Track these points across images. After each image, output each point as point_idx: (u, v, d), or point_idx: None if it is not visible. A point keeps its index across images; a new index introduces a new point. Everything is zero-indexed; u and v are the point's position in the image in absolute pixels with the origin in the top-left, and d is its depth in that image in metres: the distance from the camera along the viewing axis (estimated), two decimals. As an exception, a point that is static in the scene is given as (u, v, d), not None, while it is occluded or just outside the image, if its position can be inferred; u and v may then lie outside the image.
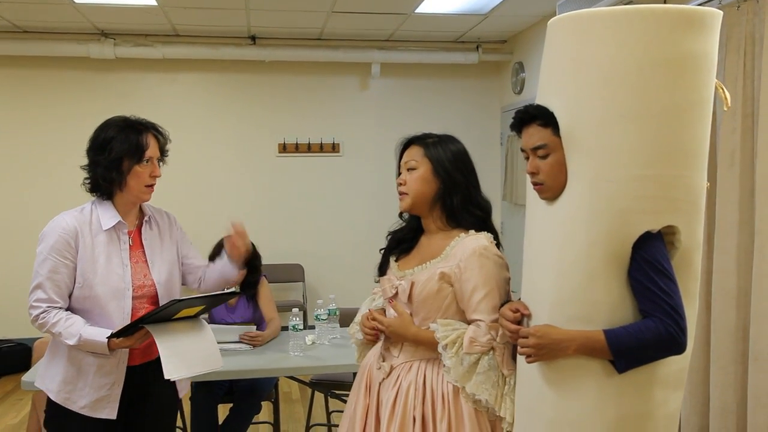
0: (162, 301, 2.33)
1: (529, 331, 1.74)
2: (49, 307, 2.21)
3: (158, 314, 2.16)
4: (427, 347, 2.01)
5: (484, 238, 2.03)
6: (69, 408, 2.26)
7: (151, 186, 2.31)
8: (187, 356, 2.23)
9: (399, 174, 2.14)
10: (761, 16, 3.12)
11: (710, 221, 3.44)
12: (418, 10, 5.52)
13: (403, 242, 2.19)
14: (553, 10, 4.96)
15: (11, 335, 5.98)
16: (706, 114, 1.69)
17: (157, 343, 2.14)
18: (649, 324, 1.62)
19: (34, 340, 3.87)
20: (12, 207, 6.24)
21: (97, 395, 2.25)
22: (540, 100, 1.79)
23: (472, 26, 6.13)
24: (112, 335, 2.15)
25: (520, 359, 1.84)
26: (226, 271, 2.52)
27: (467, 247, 2.00)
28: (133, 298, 2.28)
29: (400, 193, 2.11)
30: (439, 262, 2.03)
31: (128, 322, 2.22)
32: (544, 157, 1.74)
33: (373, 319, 2.12)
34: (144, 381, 2.34)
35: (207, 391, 3.53)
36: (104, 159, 2.23)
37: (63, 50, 6.01)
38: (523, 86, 6.39)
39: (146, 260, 2.35)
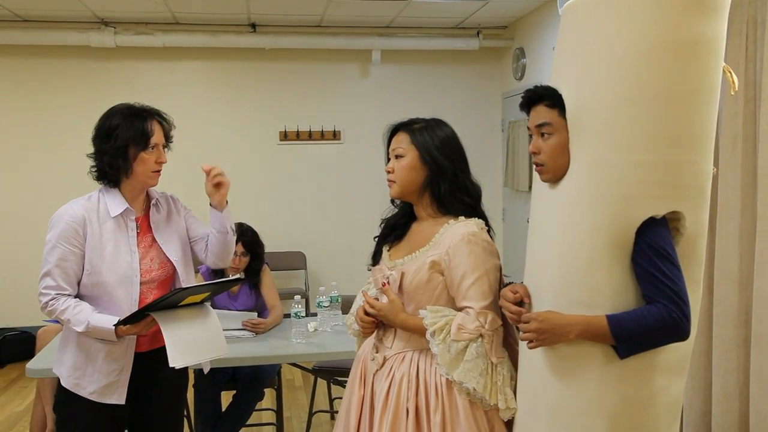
0: (181, 278, 2.38)
1: (531, 316, 1.73)
2: (57, 294, 2.23)
3: (164, 302, 2.16)
4: (417, 334, 2.01)
5: (473, 225, 2.01)
6: (78, 393, 2.28)
7: (158, 172, 2.32)
8: (192, 343, 2.24)
9: (388, 161, 2.13)
10: (764, -1, 3.10)
11: (713, 206, 3.43)
12: (418, -4, 5.50)
13: (396, 228, 2.18)
14: (555, -5, 4.93)
15: (15, 323, 6.00)
16: (713, 99, 1.67)
17: (162, 330, 2.15)
18: (652, 310, 1.61)
19: (38, 328, 3.89)
20: (14, 196, 6.25)
21: (106, 381, 2.27)
22: (551, 82, 1.79)
23: (472, 12, 6.11)
24: (119, 322, 2.16)
25: (522, 345, 1.84)
26: (216, 223, 2.46)
27: (456, 233, 1.98)
28: (141, 284, 2.30)
29: (389, 181, 2.09)
30: (428, 251, 2.02)
31: (136, 308, 2.24)
32: (548, 137, 1.74)
33: (367, 302, 2.11)
34: (152, 367, 2.36)
35: (210, 378, 3.54)
36: (110, 147, 2.24)
37: (63, 39, 6.00)
38: (524, 72, 6.37)
39: (157, 244, 2.37)
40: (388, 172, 2.10)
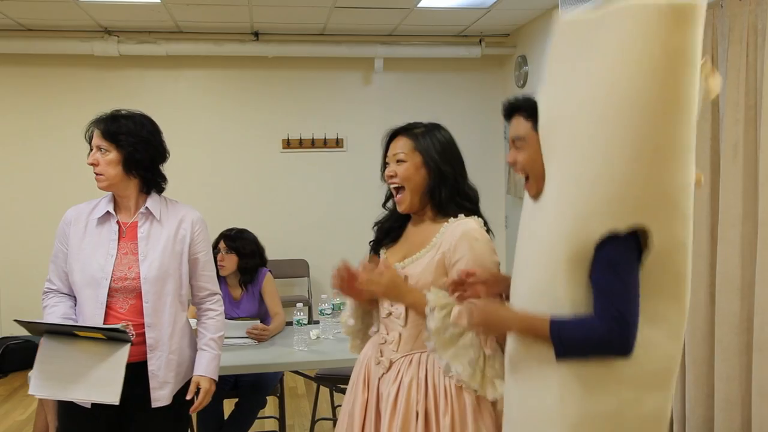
0: (145, 297, 2.28)
1: (472, 302, 1.77)
2: (49, 289, 2.39)
3: (55, 329, 2.21)
4: (417, 309, 1.99)
5: (473, 222, 2.03)
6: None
7: (95, 174, 2.31)
8: (64, 377, 2.18)
9: (385, 166, 2.12)
10: (764, 6, 3.10)
11: (714, 213, 3.43)
12: (420, 5, 5.51)
13: (390, 231, 2.19)
14: (555, 3, 4.94)
15: (19, 332, 5.99)
16: (688, 108, 1.60)
17: (38, 354, 2.20)
18: (595, 323, 1.61)
19: (41, 337, 3.89)
20: (17, 205, 6.27)
21: None
22: (536, 97, 1.81)
23: (474, 20, 6.13)
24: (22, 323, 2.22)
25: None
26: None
27: (456, 230, 2.00)
28: (113, 289, 2.27)
29: (396, 188, 2.08)
30: (429, 251, 2.02)
31: (102, 312, 2.25)
32: (521, 150, 1.78)
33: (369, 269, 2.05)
34: (139, 383, 2.29)
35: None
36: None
37: (67, 48, 6.03)
38: (527, 80, 6.38)
39: (137, 254, 2.32)
40: (391, 176, 2.08)
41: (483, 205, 2.18)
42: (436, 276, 2.00)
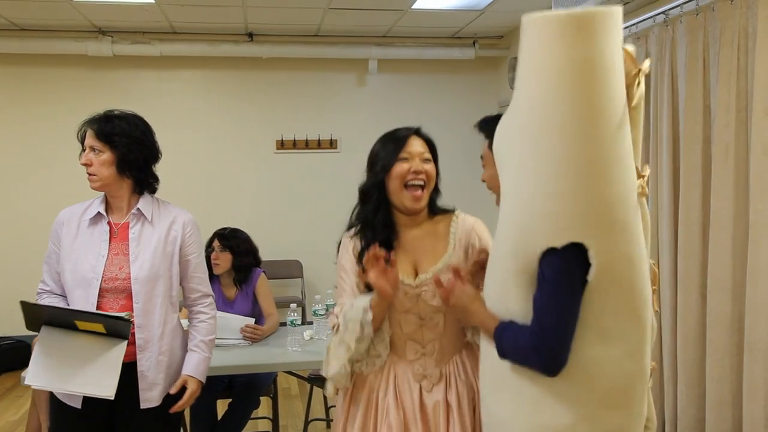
0: (136, 298, 2.27)
1: (456, 285, 1.89)
2: (42, 290, 2.39)
3: (55, 316, 2.19)
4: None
5: (470, 216, 2.13)
6: (53, 392, 2.33)
7: (89, 175, 2.31)
8: (62, 369, 2.17)
9: (392, 162, 2.07)
10: (754, 9, 3.13)
11: (705, 214, 3.46)
12: (414, 6, 5.53)
13: (384, 243, 2.05)
14: (549, 6, 4.97)
15: (11, 332, 6.00)
16: (611, 119, 1.54)
17: (36, 344, 2.19)
18: (526, 334, 1.62)
19: (34, 337, 3.88)
20: (9, 204, 6.26)
21: None
22: None
23: (468, 22, 6.14)
24: (28, 327, 2.20)
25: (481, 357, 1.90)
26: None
27: (469, 228, 2.08)
28: (103, 289, 2.26)
29: (421, 185, 2.03)
30: (452, 254, 2.02)
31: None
32: (485, 168, 1.87)
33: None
34: (129, 383, 2.27)
35: (206, 386, 3.54)
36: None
37: (61, 48, 6.02)
38: (520, 81, 6.40)
39: (128, 254, 2.31)
40: (417, 173, 2.02)
41: (477, 207, 2.26)
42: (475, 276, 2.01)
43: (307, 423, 4.01)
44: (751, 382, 3.13)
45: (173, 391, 2.35)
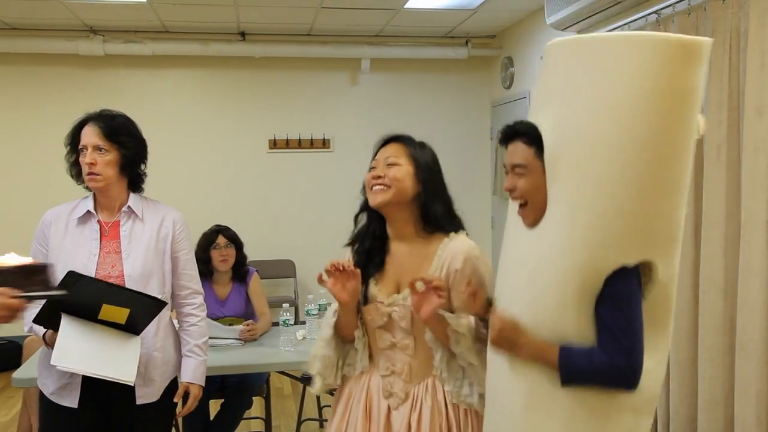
0: None
1: (498, 318, 1.73)
2: None
3: (76, 298, 2.07)
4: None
5: (467, 239, 1.99)
6: (43, 392, 2.31)
7: (91, 174, 2.25)
8: (84, 353, 2.12)
9: (371, 169, 2.04)
10: (746, 9, 3.14)
11: (697, 214, 3.46)
12: (407, 6, 5.53)
13: (371, 254, 2.06)
14: (541, 5, 4.97)
15: (2, 333, 5.95)
16: (690, 146, 1.64)
17: (60, 329, 2.08)
18: (603, 357, 1.61)
19: (25, 337, 3.87)
20: None
21: (60, 382, 2.26)
22: (531, 118, 1.77)
23: (461, 21, 6.15)
24: (35, 319, 2.11)
25: (489, 374, 1.85)
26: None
27: (456, 249, 1.95)
28: None
29: (381, 185, 1.98)
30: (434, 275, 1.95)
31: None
32: (521, 176, 1.73)
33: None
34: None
35: (198, 386, 3.54)
36: (67, 154, 2.35)
37: (52, 47, 6.00)
38: (513, 81, 6.41)
39: (120, 252, 2.31)
40: (379, 177, 1.98)
41: (470, 206, 2.16)
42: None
43: (299, 423, 4.01)
44: (743, 381, 3.14)
45: (176, 400, 2.39)
